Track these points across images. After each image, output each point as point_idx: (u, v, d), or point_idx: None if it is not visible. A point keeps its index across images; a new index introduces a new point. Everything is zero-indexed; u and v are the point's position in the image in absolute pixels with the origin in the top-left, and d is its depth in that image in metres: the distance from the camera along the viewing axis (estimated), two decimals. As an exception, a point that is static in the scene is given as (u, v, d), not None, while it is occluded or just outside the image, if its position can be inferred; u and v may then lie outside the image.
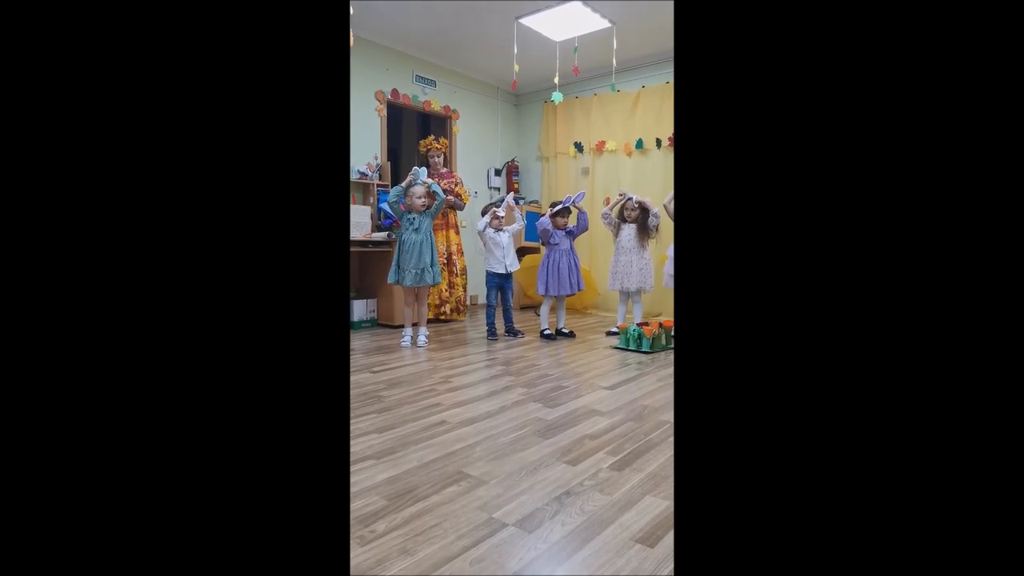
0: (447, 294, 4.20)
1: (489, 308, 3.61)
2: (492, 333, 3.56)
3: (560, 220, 3.58)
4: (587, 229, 3.72)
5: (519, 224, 3.67)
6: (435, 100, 4.87)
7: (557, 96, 3.77)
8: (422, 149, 4.08)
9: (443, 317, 4.22)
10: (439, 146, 4.03)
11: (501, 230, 3.56)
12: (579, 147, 5.18)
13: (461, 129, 5.17)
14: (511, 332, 3.63)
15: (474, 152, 5.32)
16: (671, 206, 3.65)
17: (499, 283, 3.60)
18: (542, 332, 3.59)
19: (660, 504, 1.31)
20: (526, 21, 3.79)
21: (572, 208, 3.58)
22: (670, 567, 1.05)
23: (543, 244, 3.63)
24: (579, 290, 3.64)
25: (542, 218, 3.57)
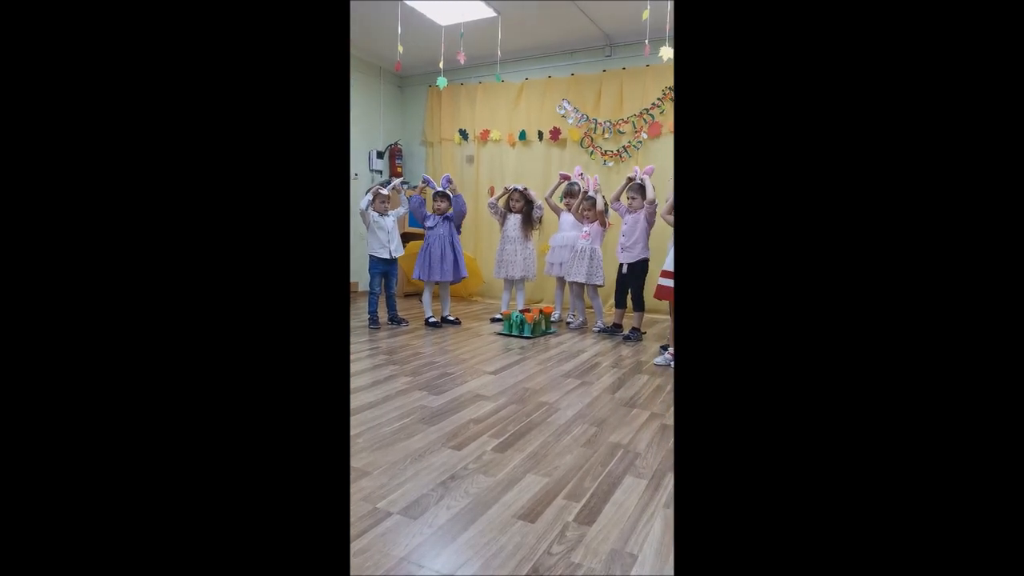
0: None
1: (372, 295, 3.49)
2: (374, 322, 3.46)
3: (438, 204, 3.54)
4: (464, 213, 3.63)
5: (404, 209, 3.59)
6: (312, 75, 4.59)
7: (442, 81, 3.73)
8: None
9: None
10: None
11: (386, 214, 3.45)
12: (464, 134, 5.18)
13: (341, 108, 4.92)
14: (395, 320, 3.56)
15: (355, 132, 5.09)
16: (553, 199, 3.80)
17: (383, 269, 3.48)
18: (427, 320, 3.57)
19: (540, 481, 1.38)
20: (411, 2, 3.69)
21: (449, 192, 3.56)
22: (549, 539, 1.12)
23: (420, 224, 3.58)
24: (459, 278, 3.58)
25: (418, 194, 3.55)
